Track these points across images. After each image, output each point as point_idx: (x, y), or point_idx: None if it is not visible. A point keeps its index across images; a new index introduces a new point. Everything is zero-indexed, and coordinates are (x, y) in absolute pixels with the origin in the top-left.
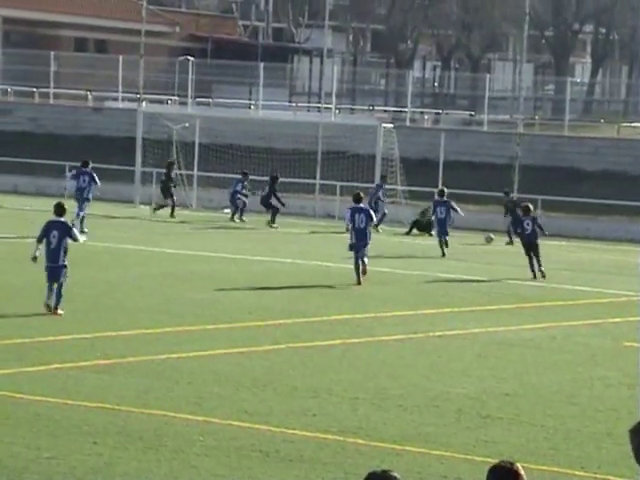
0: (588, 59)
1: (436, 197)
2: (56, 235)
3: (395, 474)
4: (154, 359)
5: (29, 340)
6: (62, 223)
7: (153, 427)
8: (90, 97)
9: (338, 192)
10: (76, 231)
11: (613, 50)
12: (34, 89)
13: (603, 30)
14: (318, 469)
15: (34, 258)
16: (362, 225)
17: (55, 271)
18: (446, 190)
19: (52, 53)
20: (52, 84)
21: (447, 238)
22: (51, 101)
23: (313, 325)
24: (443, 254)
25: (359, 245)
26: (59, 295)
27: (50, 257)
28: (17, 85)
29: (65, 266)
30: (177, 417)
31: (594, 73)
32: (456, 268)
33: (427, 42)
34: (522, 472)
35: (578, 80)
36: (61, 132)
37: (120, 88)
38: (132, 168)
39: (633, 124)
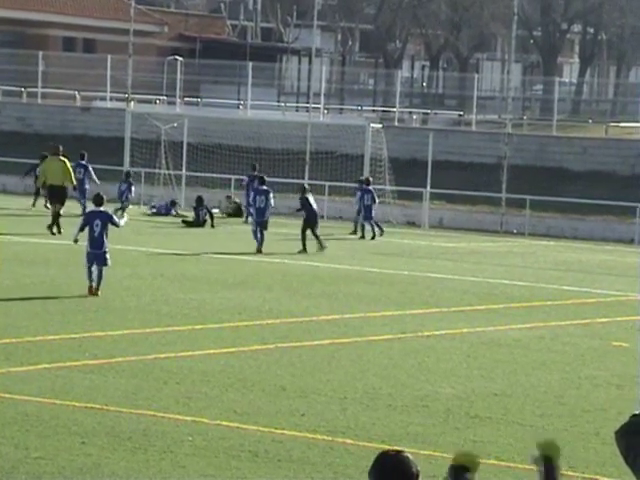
0: (576, 59)
1: (363, 186)
2: (99, 224)
3: (408, 455)
4: (143, 359)
5: (17, 340)
6: (102, 212)
7: (142, 427)
8: (78, 97)
9: (326, 192)
10: (116, 217)
11: (601, 50)
12: (22, 89)
13: (591, 30)
14: (307, 469)
15: (75, 241)
16: (262, 205)
17: (98, 257)
18: (371, 179)
19: (40, 53)
20: (40, 84)
21: (373, 222)
22: (39, 101)
23: (302, 325)
24: (373, 236)
25: (259, 221)
26: (100, 277)
27: (93, 244)
28: (5, 85)
29: (107, 252)
30: (166, 417)
31: (582, 73)
32: (444, 268)
33: (416, 42)
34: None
35: (566, 80)
36: (49, 132)
37: (108, 88)
38: (120, 168)
39: (621, 124)
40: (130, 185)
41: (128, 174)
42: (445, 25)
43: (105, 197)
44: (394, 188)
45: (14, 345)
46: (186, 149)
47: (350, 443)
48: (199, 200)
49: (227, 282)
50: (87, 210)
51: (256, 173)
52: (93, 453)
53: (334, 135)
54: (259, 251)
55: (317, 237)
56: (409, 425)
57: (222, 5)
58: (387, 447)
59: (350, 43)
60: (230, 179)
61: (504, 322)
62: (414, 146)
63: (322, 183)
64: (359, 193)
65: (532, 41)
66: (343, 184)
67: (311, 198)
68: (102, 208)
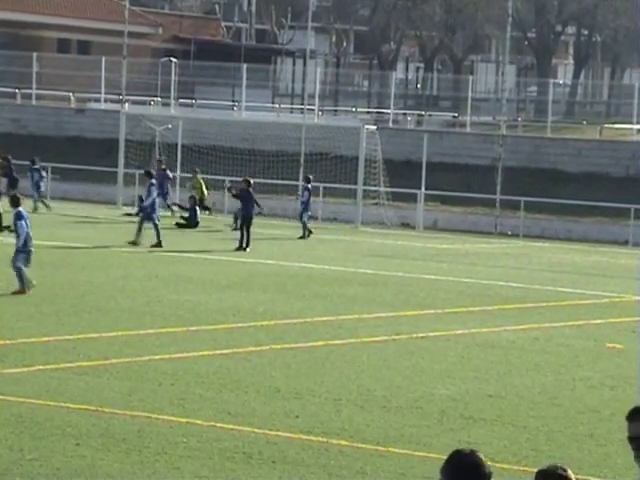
0: (570, 61)
1: (304, 183)
2: (29, 224)
3: (482, 455)
4: (137, 361)
5: (11, 342)
6: (24, 212)
7: (136, 429)
8: (73, 98)
9: (321, 193)
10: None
11: (595, 52)
12: (16, 90)
13: (585, 32)
14: (301, 470)
15: (24, 244)
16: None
17: (30, 255)
18: (311, 177)
19: (34, 54)
20: (34, 85)
21: (304, 221)
22: (34, 102)
23: (296, 326)
24: (309, 234)
25: (152, 215)
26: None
27: (30, 242)
28: None
29: None
30: (160, 419)
31: (576, 75)
32: (439, 269)
33: (410, 43)
34: (573, 478)
35: (561, 82)
36: (44, 133)
37: (103, 89)
38: (115, 169)
39: (615, 126)
40: (41, 173)
41: (33, 161)
42: (439, 27)
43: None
44: (388, 189)
45: (8, 347)
46: (180, 150)
47: (345, 444)
48: (193, 200)
49: (221, 284)
50: (15, 212)
51: (164, 166)
52: (87, 454)
53: (328, 137)
54: (159, 244)
55: (248, 236)
56: (404, 426)
57: (216, 7)
58: (382, 448)
59: (344, 45)
60: (224, 180)
61: (498, 323)
62: (408, 147)
63: (317, 185)
64: (302, 190)
65: (526, 43)
66: (338, 186)
67: (252, 193)
68: (21, 208)
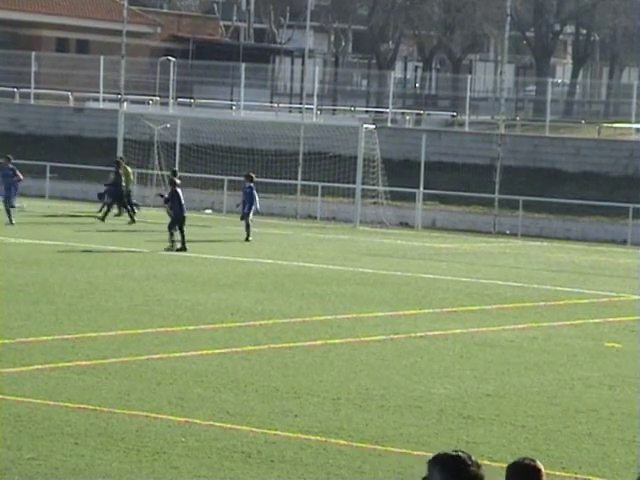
0: (569, 60)
1: (247, 182)
2: None
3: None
4: (136, 360)
5: (10, 341)
6: None
7: (135, 428)
8: (71, 97)
9: (319, 193)
10: None
11: (594, 51)
12: (15, 89)
13: (584, 31)
14: (300, 470)
15: None
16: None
17: None
18: (254, 176)
19: (33, 53)
20: (33, 84)
21: (249, 221)
22: (32, 101)
23: (294, 326)
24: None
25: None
26: None
27: None
28: None
29: None
30: (159, 418)
31: (575, 74)
32: (437, 269)
33: (408, 43)
34: (542, 469)
35: (559, 81)
36: (42, 133)
37: (101, 88)
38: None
39: (614, 125)
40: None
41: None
42: (438, 26)
43: None
44: (387, 189)
45: (6, 346)
46: (179, 150)
47: (343, 444)
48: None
49: (220, 283)
50: None
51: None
52: (86, 454)
53: (327, 136)
54: None
55: (182, 236)
56: (402, 426)
57: (215, 6)
58: (380, 448)
59: (343, 44)
60: (223, 180)
61: (497, 323)
62: (407, 147)
63: (315, 184)
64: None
65: (525, 42)
66: (336, 185)
67: (180, 192)
68: None
